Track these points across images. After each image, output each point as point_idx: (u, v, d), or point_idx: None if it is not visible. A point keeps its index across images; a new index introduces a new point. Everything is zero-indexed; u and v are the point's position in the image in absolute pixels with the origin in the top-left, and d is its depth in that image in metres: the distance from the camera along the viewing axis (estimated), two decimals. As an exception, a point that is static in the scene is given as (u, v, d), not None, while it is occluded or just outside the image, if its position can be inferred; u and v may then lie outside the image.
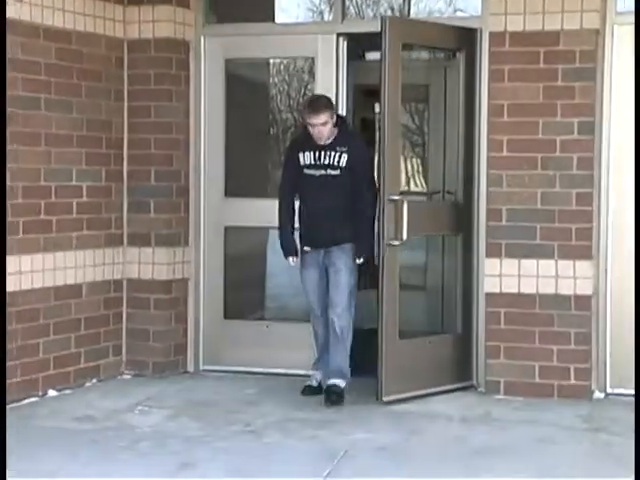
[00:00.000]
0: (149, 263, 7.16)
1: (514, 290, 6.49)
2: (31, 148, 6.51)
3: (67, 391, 6.66)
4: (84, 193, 6.91)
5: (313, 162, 6.33)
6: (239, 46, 7.36)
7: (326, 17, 7.69)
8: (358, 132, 6.34)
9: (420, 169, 9.04)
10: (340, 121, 6.38)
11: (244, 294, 7.62)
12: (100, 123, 7.02)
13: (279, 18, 7.86)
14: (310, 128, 6.28)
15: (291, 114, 8.65)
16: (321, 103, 6.31)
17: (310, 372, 6.63)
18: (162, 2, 7.09)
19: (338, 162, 6.28)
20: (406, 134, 8.61)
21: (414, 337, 6.71)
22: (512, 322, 6.49)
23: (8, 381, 6.27)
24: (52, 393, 6.58)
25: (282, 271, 7.46)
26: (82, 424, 5.94)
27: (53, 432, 5.77)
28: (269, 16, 7.80)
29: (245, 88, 7.77)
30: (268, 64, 8.16)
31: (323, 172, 6.31)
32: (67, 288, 6.76)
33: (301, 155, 6.37)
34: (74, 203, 6.84)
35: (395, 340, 6.40)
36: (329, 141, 6.30)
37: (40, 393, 6.55)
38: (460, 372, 6.77)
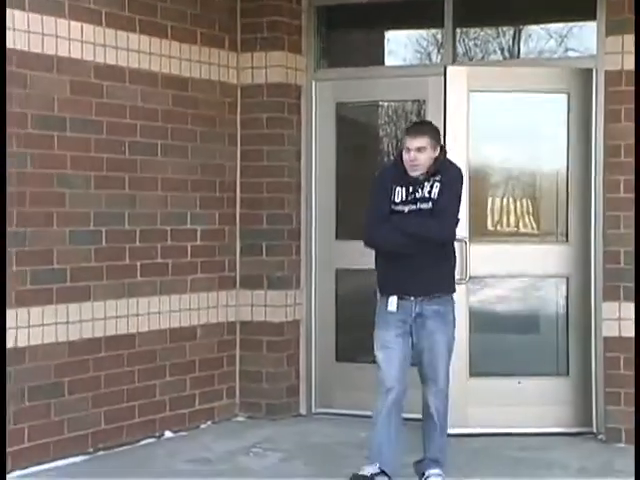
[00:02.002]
0: (262, 305, 7.17)
1: (633, 334, 6.30)
2: (148, 193, 6.60)
3: (182, 432, 6.69)
4: (198, 236, 6.97)
5: (405, 198, 5.38)
6: (350, 90, 7.38)
7: (434, 58, 7.67)
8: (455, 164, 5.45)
9: (530, 210, 8.89)
10: (441, 154, 5.45)
11: (355, 336, 7.56)
12: (214, 167, 7.10)
13: (388, 61, 7.86)
14: (404, 154, 5.39)
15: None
16: (423, 126, 5.57)
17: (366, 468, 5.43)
18: (275, 48, 7.16)
19: (429, 193, 5.34)
20: (516, 175, 8.48)
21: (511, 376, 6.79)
22: (632, 367, 6.28)
23: (128, 422, 6.38)
24: (168, 434, 6.62)
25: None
26: (198, 466, 5.95)
27: (170, 473, 5.78)
28: (379, 59, 7.81)
29: (356, 131, 7.77)
30: (378, 107, 8.15)
31: (413, 207, 5.35)
32: (182, 330, 6.81)
33: (395, 190, 5.39)
34: (189, 246, 6.91)
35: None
36: (424, 174, 5.36)
37: (157, 434, 6.60)
38: (577, 417, 6.61)
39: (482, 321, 7.11)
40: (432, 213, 5.28)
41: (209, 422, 6.96)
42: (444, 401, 5.45)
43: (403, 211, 5.35)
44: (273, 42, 7.13)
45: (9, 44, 5.69)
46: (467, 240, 6.70)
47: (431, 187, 5.34)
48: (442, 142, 5.56)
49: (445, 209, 5.30)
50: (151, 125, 6.62)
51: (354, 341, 7.51)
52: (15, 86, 5.77)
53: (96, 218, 6.26)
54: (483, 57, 7.75)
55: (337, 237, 7.32)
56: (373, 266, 6.99)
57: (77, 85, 6.13)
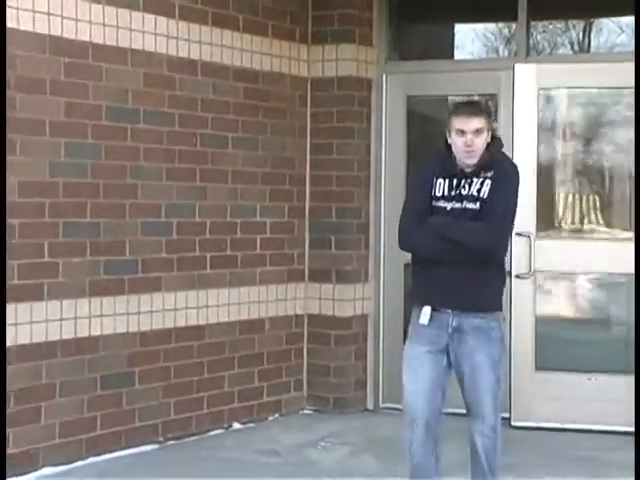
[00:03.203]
0: (330, 299, 7.21)
1: None
2: (219, 185, 6.67)
3: (251, 424, 6.76)
4: (268, 229, 7.03)
5: (447, 192, 4.53)
6: (420, 83, 7.37)
7: (501, 52, 7.65)
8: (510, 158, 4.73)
9: (599, 206, 8.83)
10: (493, 142, 4.60)
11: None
12: (284, 160, 7.14)
13: (458, 54, 7.84)
14: (456, 138, 4.51)
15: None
16: (477, 105, 4.81)
17: None
18: (345, 41, 7.18)
19: (479, 191, 4.48)
20: (584, 171, 8.43)
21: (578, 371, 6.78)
22: None
23: (197, 413, 6.46)
24: (237, 426, 6.70)
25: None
26: (266, 457, 6.01)
27: (239, 464, 5.85)
28: (449, 53, 7.79)
29: (426, 125, 7.75)
30: (447, 100, 8.13)
31: (458, 205, 4.50)
32: (251, 322, 6.88)
33: (437, 182, 4.57)
34: (258, 239, 6.96)
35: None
36: (470, 163, 4.53)
37: (225, 425, 6.67)
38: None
39: (548, 316, 7.10)
40: (480, 216, 4.45)
41: (277, 414, 7.02)
42: (493, 438, 4.56)
43: (445, 208, 4.53)
44: (344, 35, 7.15)
45: (86, 37, 5.82)
46: (533, 235, 6.77)
47: (481, 184, 4.48)
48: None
49: (497, 212, 4.43)
50: (222, 117, 6.68)
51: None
52: (90, 78, 5.88)
53: (167, 210, 6.35)
54: (551, 51, 7.72)
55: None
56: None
57: (150, 77, 6.22)
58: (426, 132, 7.76)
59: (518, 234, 6.81)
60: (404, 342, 7.19)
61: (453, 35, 7.91)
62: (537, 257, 6.81)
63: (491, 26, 7.73)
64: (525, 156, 6.83)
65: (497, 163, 4.52)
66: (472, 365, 4.47)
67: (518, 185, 4.57)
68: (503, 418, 6.57)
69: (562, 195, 7.45)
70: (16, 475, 5.43)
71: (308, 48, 7.25)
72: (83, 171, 5.87)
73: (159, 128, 6.29)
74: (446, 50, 7.83)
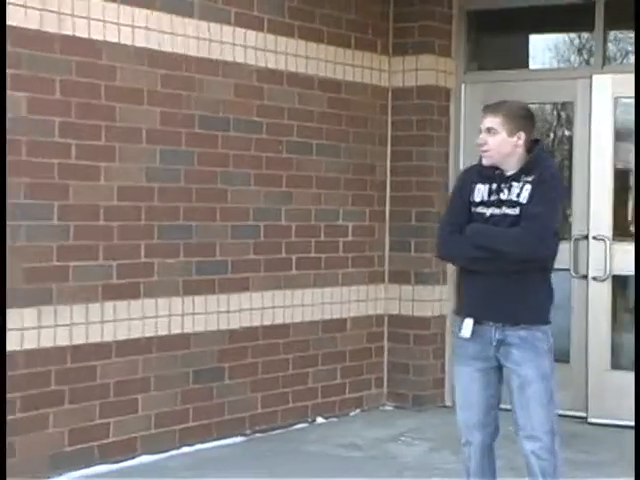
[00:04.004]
0: (409, 300, 7.26)
1: None
2: (304, 190, 6.77)
3: (333, 419, 6.83)
4: (350, 232, 7.10)
5: (486, 197, 4.19)
6: (497, 92, 7.30)
7: (573, 61, 7.65)
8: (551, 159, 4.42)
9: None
10: (533, 145, 4.23)
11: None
12: (365, 166, 7.22)
13: (535, 64, 7.84)
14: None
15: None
16: (500, 104, 4.27)
17: None
18: (425, 52, 7.24)
19: (518, 196, 4.13)
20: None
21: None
22: None
23: (282, 407, 6.55)
24: (320, 420, 6.78)
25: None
26: (348, 451, 6.07)
27: (322, 457, 5.93)
28: (524, 63, 7.80)
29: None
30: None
31: (497, 211, 4.16)
32: (333, 322, 6.95)
33: (475, 188, 4.23)
34: (341, 242, 7.05)
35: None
36: (513, 170, 4.17)
37: (309, 420, 6.76)
38: None
39: (624, 317, 7.08)
40: (519, 221, 4.10)
41: (358, 410, 7.08)
42: (550, 460, 4.14)
43: (484, 214, 4.20)
44: (424, 46, 7.22)
45: (180, 50, 5.96)
46: (609, 238, 6.78)
47: (521, 189, 4.13)
48: (530, 130, 4.21)
49: (536, 218, 4.06)
50: (307, 126, 6.78)
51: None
52: (184, 89, 6.01)
53: (255, 214, 6.46)
54: (622, 60, 7.67)
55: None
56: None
57: (240, 88, 6.34)
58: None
59: (594, 238, 6.84)
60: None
61: (528, 45, 7.92)
62: (613, 260, 6.80)
63: (565, 36, 7.72)
64: (602, 162, 6.84)
65: (538, 167, 4.16)
66: (521, 380, 4.10)
67: (560, 191, 4.32)
68: (579, 417, 6.75)
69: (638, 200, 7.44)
70: (116, 462, 5.60)
71: (389, 59, 7.32)
72: (177, 176, 6.01)
73: (248, 136, 6.41)
74: (522, 60, 7.84)
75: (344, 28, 7.01)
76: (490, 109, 4.19)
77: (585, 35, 7.53)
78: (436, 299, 7.27)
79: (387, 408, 7.25)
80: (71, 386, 5.44)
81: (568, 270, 6.97)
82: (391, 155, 7.34)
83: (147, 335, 5.82)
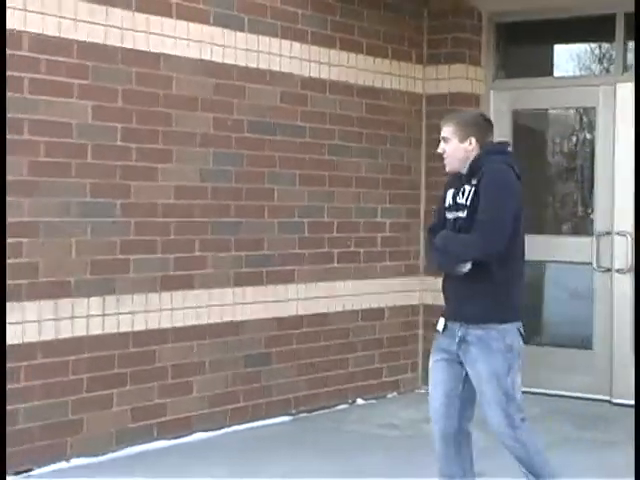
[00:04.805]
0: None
1: None
2: (344, 189, 6.80)
3: (372, 401, 6.86)
4: (387, 229, 7.13)
5: (451, 202, 4.13)
6: (523, 98, 7.38)
7: (594, 69, 7.61)
8: (502, 159, 4.10)
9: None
10: (488, 147, 4.12)
11: (526, 321, 7.53)
12: (401, 168, 7.24)
13: (559, 72, 7.81)
14: None
15: (567, 159, 8.54)
16: (453, 114, 4.38)
17: None
18: (457, 61, 7.25)
19: (466, 200, 4.04)
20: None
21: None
22: None
23: (325, 389, 6.59)
24: (359, 402, 6.81)
25: (558, 302, 7.38)
26: (386, 431, 6.10)
27: (361, 436, 5.95)
28: (549, 70, 7.78)
29: (530, 136, 7.76)
30: (547, 114, 8.12)
31: (454, 215, 4.10)
32: (372, 311, 6.98)
33: (447, 193, 4.20)
34: (379, 237, 7.07)
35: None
36: (464, 171, 4.11)
37: (349, 401, 6.79)
38: None
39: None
40: (466, 224, 4.00)
41: (395, 393, 7.11)
42: (518, 448, 4.06)
43: (449, 219, 4.12)
44: (455, 56, 7.23)
45: (231, 60, 6.01)
46: (631, 234, 6.71)
47: (469, 192, 4.04)
48: (481, 134, 4.10)
49: (482, 220, 3.92)
50: (347, 130, 6.81)
51: (529, 326, 7.46)
52: (235, 96, 6.07)
53: (300, 211, 6.50)
54: None
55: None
56: (541, 258, 7.03)
57: (286, 95, 6.38)
58: (529, 142, 7.77)
59: (618, 233, 6.82)
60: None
61: (553, 55, 7.90)
62: (634, 254, 6.75)
63: (587, 46, 7.69)
64: (625, 162, 6.81)
65: (481, 169, 4.03)
66: (476, 376, 4.03)
67: (503, 188, 4.00)
68: (604, 400, 6.72)
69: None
70: (173, 438, 5.67)
71: (423, 68, 7.33)
72: (228, 177, 6.06)
73: (293, 139, 6.46)
74: (546, 68, 7.82)
75: (381, 40, 7.04)
76: (444, 120, 4.22)
77: (606, 45, 7.49)
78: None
79: (421, 391, 7.22)
80: (132, 369, 5.51)
81: (590, 264, 6.96)
82: (425, 157, 7.35)
83: (201, 323, 5.88)
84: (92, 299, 5.32)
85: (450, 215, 4.11)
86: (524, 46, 7.85)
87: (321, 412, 6.51)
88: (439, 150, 4.20)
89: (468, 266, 3.97)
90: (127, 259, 5.51)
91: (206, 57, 5.89)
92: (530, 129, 7.78)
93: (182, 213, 5.79)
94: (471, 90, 7.28)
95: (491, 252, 3.93)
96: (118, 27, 5.43)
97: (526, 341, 7.30)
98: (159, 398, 5.65)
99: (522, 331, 4.13)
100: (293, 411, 6.41)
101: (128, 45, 5.47)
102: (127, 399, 5.49)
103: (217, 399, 5.96)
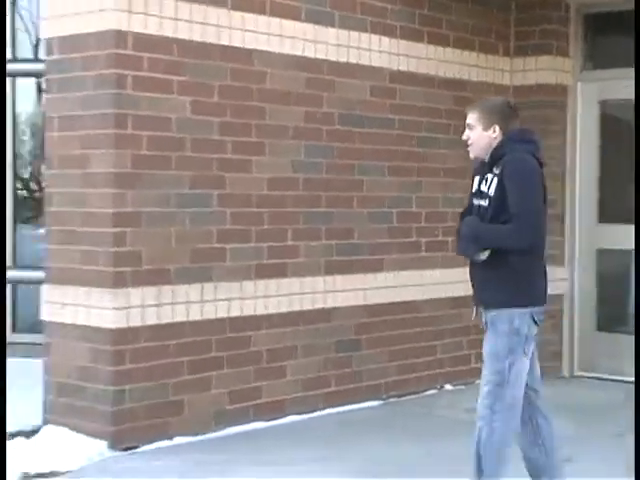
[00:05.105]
0: (529, 280, 7.27)
1: None
2: (432, 179, 6.87)
3: (460, 386, 6.91)
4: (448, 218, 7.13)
5: (477, 189, 4.15)
6: (610, 89, 7.33)
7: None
8: (524, 147, 4.07)
9: None
10: (510, 135, 4.11)
11: (615, 309, 7.53)
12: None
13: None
14: None
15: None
16: (479, 102, 4.40)
17: None
18: (544, 53, 7.25)
19: (488, 189, 4.06)
20: None
21: None
22: None
23: (414, 375, 6.68)
24: (448, 387, 6.88)
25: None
26: (474, 416, 6.13)
27: (451, 421, 6.00)
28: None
29: (615, 126, 7.70)
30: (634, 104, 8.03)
31: (478, 202, 4.11)
32: (460, 299, 6.95)
33: (474, 180, 4.22)
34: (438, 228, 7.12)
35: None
36: (487, 159, 4.13)
37: (438, 386, 6.87)
38: None
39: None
40: (486, 213, 4.01)
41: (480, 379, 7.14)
42: (486, 431, 4.05)
43: (475, 206, 4.13)
44: (543, 47, 7.22)
45: (322, 55, 6.13)
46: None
47: (491, 181, 4.05)
48: (505, 122, 4.10)
49: (518, 213, 3.92)
50: (435, 122, 6.86)
51: (613, 313, 7.48)
52: (325, 90, 6.18)
53: (389, 201, 6.59)
54: None
55: (599, 221, 7.32)
56: (632, 247, 6.99)
57: (375, 89, 6.47)
58: (615, 132, 7.71)
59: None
60: (596, 319, 7.31)
61: (640, 44, 7.81)
62: None
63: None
64: None
65: (503, 158, 4.03)
66: (484, 349, 4.13)
67: (527, 178, 3.99)
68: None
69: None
70: (268, 420, 5.82)
71: (511, 60, 7.34)
72: (319, 168, 6.18)
73: (382, 131, 6.54)
74: (632, 58, 7.73)
75: (469, 33, 7.07)
76: (469, 107, 4.25)
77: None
78: (555, 279, 7.15)
79: (508, 378, 7.28)
80: (229, 353, 5.68)
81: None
82: (512, 148, 7.37)
83: (294, 309, 6.02)
84: (191, 286, 5.50)
85: (476, 202, 4.11)
86: (611, 37, 7.76)
87: (410, 397, 6.59)
88: (464, 137, 4.22)
89: (487, 254, 4.03)
90: (223, 248, 5.68)
91: (298, 52, 6.02)
92: (617, 119, 7.71)
93: (275, 203, 5.93)
94: (558, 81, 7.27)
95: (525, 244, 3.95)
96: (215, 25, 5.59)
97: (610, 330, 7.20)
98: (255, 381, 5.81)
99: (537, 318, 4.07)
100: (383, 396, 6.51)
101: (224, 42, 5.63)
102: (225, 382, 5.66)
103: (310, 383, 6.10)
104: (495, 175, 4.01)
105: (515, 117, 4.19)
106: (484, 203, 4.04)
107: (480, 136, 4.12)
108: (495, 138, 4.09)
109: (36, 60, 7.86)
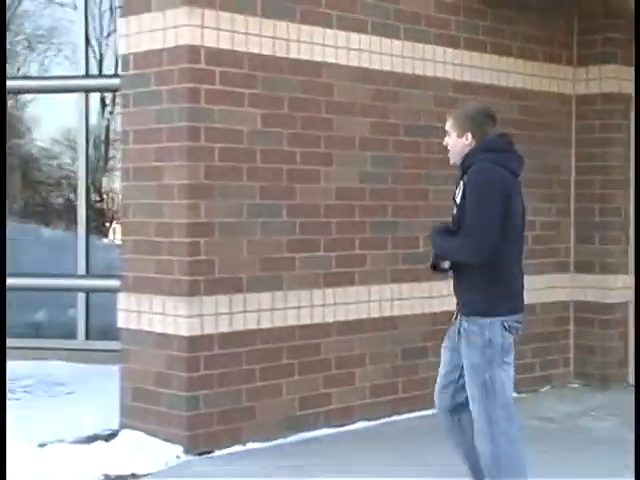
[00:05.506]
0: (594, 288, 7.23)
1: None
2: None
3: (525, 394, 6.85)
4: (537, 227, 7.13)
5: (453, 196, 4.11)
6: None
7: None
8: (490, 157, 3.98)
9: None
10: (480, 144, 4.04)
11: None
12: (551, 167, 7.22)
13: None
14: None
15: None
16: (458, 109, 4.29)
17: None
18: (608, 62, 7.21)
19: (459, 198, 4.00)
20: None
21: None
22: None
23: (525, 375, 6.68)
24: (513, 395, 6.78)
25: None
26: (543, 423, 6.10)
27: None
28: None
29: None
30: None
31: (453, 210, 4.09)
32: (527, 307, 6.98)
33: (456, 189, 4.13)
34: (530, 236, 7.03)
35: None
36: (459, 168, 4.09)
37: (505, 395, 6.83)
38: None
39: None
40: (457, 220, 3.99)
41: (547, 387, 7.10)
42: (487, 445, 3.94)
43: (452, 214, 4.09)
44: (607, 56, 7.18)
45: (388, 67, 6.15)
46: None
47: (461, 190, 3.99)
48: (481, 130, 4.04)
49: (469, 226, 3.87)
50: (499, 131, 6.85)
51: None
52: (390, 101, 6.20)
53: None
54: None
55: (664, 228, 7.25)
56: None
57: (439, 99, 6.48)
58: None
59: None
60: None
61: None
62: None
63: None
64: None
65: (470, 167, 3.98)
66: (464, 365, 4.03)
67: (485, 189, 3.88)
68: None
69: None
70: (337, 426, 5.85)
71: (574, 69, 7.31)
72: (385, 178, 6.20)
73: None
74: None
75: (532, 43, 7.05)
76: (448, 113, 4.19)
77: None
78: (619, 287, 7.20)
79: (574, 385, 7.23)
80: (299, 360, 5.72)
81: None
82: (575, 156, 7.33)
83: (361, 317, 6.04)
84: (263, 294, 5.55)
85: (453, 210, 4.07)
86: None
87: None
88: (444, 143, 4.16)
89: (447, 263, 4.03)
90: (293, 257, 5.73)
91: (364, 65, 6.06)
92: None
93: (342, 213, 5.96)
94: (622, 90, 7.20)
95: (481, 255, 3.85)
96: (284, 39, 5.65)
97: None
98: (324, 388, 5.84)
99: (508, 325, 3.99)
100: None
101: (293, 55, 5.69)
102: (295, 389, 5.70)
103: (377, 390, 6.11)
104: (464, 184, 3.95)
105: (490, 124, 4.09)
106: (454, 212, 4.01)
107: (455, 142, 4.08)
108: (468, 145, 4.03)
109: (100, 76, 8.07)
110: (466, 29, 6.63)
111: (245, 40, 5.48)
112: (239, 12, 5.45)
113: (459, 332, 4.01)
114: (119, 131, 8.10)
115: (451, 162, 4.15)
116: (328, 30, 5.87)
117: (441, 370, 4.22)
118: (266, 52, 5.57)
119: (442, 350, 4.20)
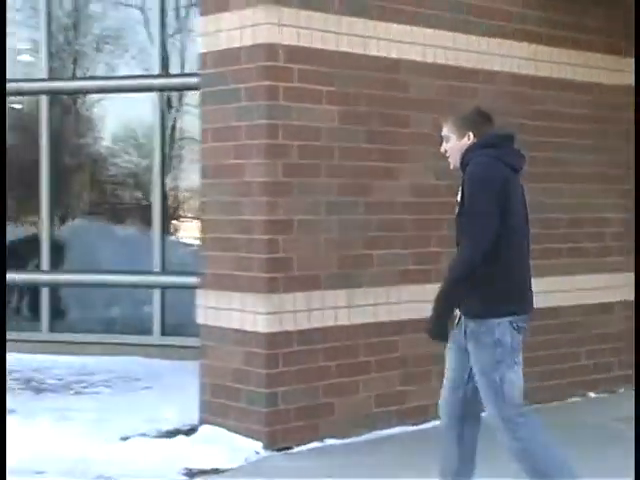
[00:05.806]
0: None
1: None
2: (571, 186, 6.73)
3: (603, 395, 6.74)
4: (613, 224, 6.99)
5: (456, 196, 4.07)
6: None
7: None
8: (487, 152, 3.95)
9: None
10: (478, 141, 4.02)
11: None
12: (620, 163, 7.02)
13: None
14: None
15: None
16: (455, 115, 4.16)
17: None
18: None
19: (459, 197, 3.99)
20: None
21: None
22: None
23: (557, 382, 6.55)
24: (591, 395, 6.73)
25: None
26: (624, 424, 5.95)
27: (599, 429, 5.84)
28: None
29: None
30: None
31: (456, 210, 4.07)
32: (602, 305, 6.88)
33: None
34: (607, 232, 6.95)
35: None
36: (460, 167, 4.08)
37: (581, 394, 6.72)
38: None
39: None
40: (457, 219, 4.01)
41: (625, 387, 6.96)
42: (515, 444, 3.97)
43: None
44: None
45: (464, 63, 6.09)
46: None
47: (460, 189, 3.98)
48: (480, 129, 4.02)
49: (468, 225, 3.88)
50: (571, 127, 6.73)
51: None
52: (465, 97, 6.08)
53: (530, 207, 6.41)
54: None
55: None
56: None
57: (510, 94, 6.38)
58: None
59: None
60: None
61: None
62: None
63: None
64: None
65: (468, 167, 3.96)
66: (473, 369, 3.95)
67: (480, 184, 3.86)
68: None
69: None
70: (412, 425, 5.76)
71: (622, 60, 7.04)
72: (460, 176, 6.10)
73: (520, 137, 6.39)
74: None
75: (598, 35, 6.87)
76: (443, 119, 4.16)
77: None
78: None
79: (652, 386, 7.07)
80: (376, 357, 5.68)
81: None
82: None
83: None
84: (339, 292, 5.52)
85: (455, 210, 4.05)
86: None
87: (554, 404, 6.43)
88: (442, 150, 4.14)
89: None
90: (370, 254, 5.69)
91: (440, 61, 6.00)
92: None
93: (419, 210, 5.91)
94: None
95: (481, 250, 3.80)
96: (361, 36, 5.62)
97: None
98: (400, 386, 5.79)
99: (517, 325, 3.93)
100: (526, 402, 6.37)
101: (370, 52, 5.66)
102: (371, 386, 5.66)
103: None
104: (463, 180, 3.94)
105: (487, 123, 4.09)
106: (456, 210, 4.00)
107: (455, 145, 4.06)
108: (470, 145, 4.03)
109: (177, 75, 8.11)
110: (539, 23, 6.53)
111: (323, 37, 5.45)
112: (316, 10, 5.43)
113: (465, 334, 3.94)
114: (188, 129, 8.31)
115: (451, 167, 4.14)
116: (404, 26, 5.82)
117: (447, 373, 4.09)
118: (343, 49, 5.54)
119: (446, 352, 4.09)
